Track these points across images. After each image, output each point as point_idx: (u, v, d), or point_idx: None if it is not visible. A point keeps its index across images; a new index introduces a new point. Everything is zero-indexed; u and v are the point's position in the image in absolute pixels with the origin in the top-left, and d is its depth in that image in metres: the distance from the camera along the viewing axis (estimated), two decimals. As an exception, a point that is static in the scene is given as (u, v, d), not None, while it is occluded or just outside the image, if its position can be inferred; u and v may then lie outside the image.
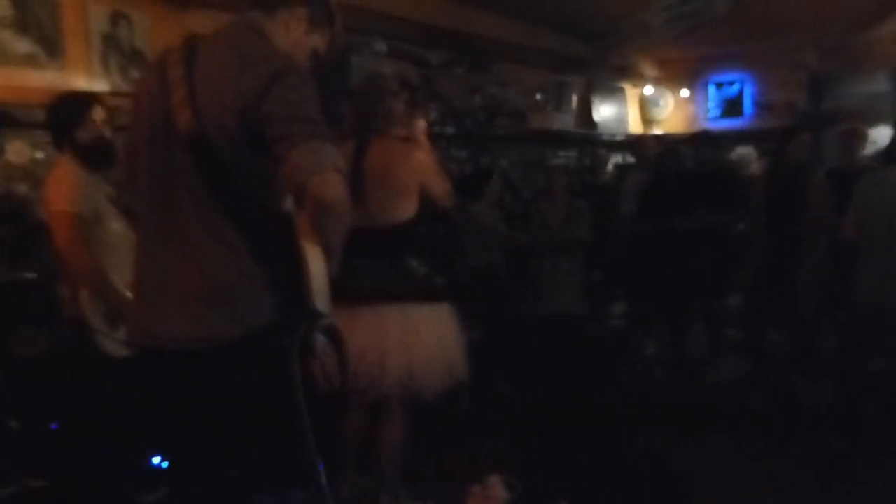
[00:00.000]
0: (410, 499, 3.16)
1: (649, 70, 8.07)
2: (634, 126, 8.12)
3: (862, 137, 4.86)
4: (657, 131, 8.04)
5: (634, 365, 5.31)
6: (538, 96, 6.73)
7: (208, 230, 1.77)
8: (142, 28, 3.93)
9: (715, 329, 5.14)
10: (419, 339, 2.90)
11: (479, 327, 4.50)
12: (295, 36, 1.93)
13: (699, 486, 3.23)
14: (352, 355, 2.01)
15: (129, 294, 2.76)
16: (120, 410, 2.54)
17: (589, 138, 7.39)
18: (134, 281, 1.94)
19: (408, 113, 3.09)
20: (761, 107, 7.58)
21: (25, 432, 2.91)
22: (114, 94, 3.57)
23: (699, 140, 5.41)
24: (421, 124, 3.14)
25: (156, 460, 2.83)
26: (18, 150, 3.45)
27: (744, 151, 7.49)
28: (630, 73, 7.90)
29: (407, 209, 2.97)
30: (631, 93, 8.10)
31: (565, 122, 7.14)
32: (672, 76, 8.07)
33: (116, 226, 2.93)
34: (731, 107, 7.83)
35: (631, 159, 6.97)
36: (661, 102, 8.10)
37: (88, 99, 2.99)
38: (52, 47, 3.57)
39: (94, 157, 2.91)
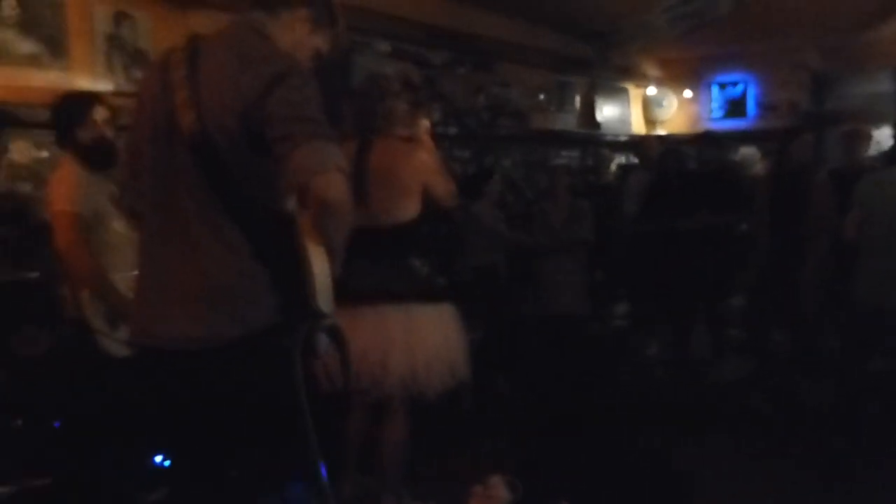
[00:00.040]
0: (412, 499, 3.16)
1: (652, 70, 8.07)
2: (637, 126, 8.12)
3: (865, 138, 4.86)
4: (660, 132, 8.03)
5: (636, 365, 5.30)
6: (541, 96, 6.73)
7: (210, 230, 1.77)
8: (145, 28, 3.94)
9: (717, 329, 5.13)
10: (421, 340, 2.90)
11: (481, 327, 4.51)
12: (297, 36, 1.92)
13: (700, 487, 3.22)
14: (354, 355, 2.02)
15: (129, 294, 2.79)
16: (121, 410, 2.54)
17: (592, 138, 7.38)
18: (136, 281, 1.95)
19: (410, 113, 3.09)
20: (764, 107, 7.58)
21: (28, 431, 2.92)
22: (117, 93, 3.58)
23: (703, 140, 5.40)
24: (424, 123, 3.14)
25: (157, 460, 2.83)
26: (22, 150, 3.46)
27: (747, 152, 7.50)
28: (633, 74, 7.89)
29: (409, 209, 2.97)
30: (634, 93, 8.10)
31: (568, 122, 7.14)
32: (675, 76, 8.06)
33: (118, 226, 2.93)
34: (735, 107, 7.82)
35: (634, 160, 6.97)
36: (664, 103, 8.10)
37: (90, 99, 2.99)
38: (56, 47, 3.58)
39: (95, 157, 2.91)
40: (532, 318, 5.12)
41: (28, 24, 3.48)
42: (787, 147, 4.67)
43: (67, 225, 2.78)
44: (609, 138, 7.55)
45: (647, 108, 8.18)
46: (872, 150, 4.85)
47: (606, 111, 7.62)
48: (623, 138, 7.64)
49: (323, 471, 1.87)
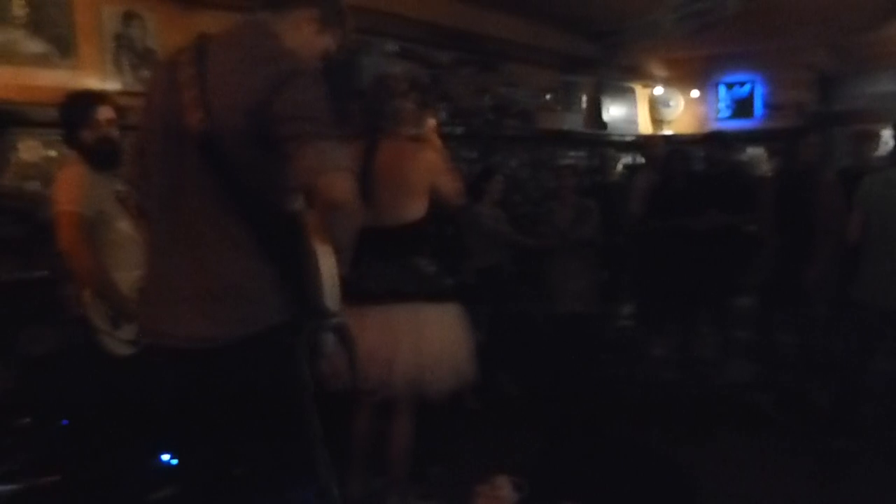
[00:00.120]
0: (418, 498, 3.16)
1: (659, 70, 8.05)
2: (644, 126, 8.09)
3: (874, 138, 4.84)
4: (667, 132, 8.01)
5: (643, 365, 5.30)
6: (547, 96, 6.72)
7: (217, 229, 1.78)
8: (153, 27, 3.95)
9: (724, 330, 5.12)
10: (428, 339, 2.91)
11: (487, 328, 4.51)
12: (305, 36, 1.93)
13: (707, 487, 3.22)
14: (360, 354, 2.02)
15: (130, 295, 2.81)
16: (129, 408, 2.55)
17: (598, 139, 7.37)
18: (143, 279, 1.95)
19: (417, 113, 3.09)
20: (772, 107, 7.54)
21: (36, 430, 2.94)
22: (126, 93, 3.59)
23: (710, 141, 5.39)
24: (431, 123, 3.14)
25: (165, 458, 2.84)
26: (31, 149, 3.48)
27: (754, 152, 7.48)
28: (640, 74, 7.87)
29: (416, 209, 2.97)
30: (641, 93, 8.08)
31: (574, 122, 7.13)
32: (682, 76, 8.04)
33: (123, 225, 2.95)
34: (742, 107, 7.79)
35: (640, 160, 6.95)
36: (671, 103, 8.07)
37: (94, 99, 3.00)
38: (64, 47, 3.59)
39: (100, 157, 2.93)
40: (539, 318, 5.12)
41: (37, 23, 3.49)
42: (795, 147, 4.66)
43: (70, 225, 2.79)
44: (615, 138, 7.53)
45: (654, 108, 8.16)
46: (881, 151, 4.83)
47: (613, 111, 7.61)
48: (630, 138, 7.62)
49: (328, 469, 1.87)
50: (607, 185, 6.83)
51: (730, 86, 7.86)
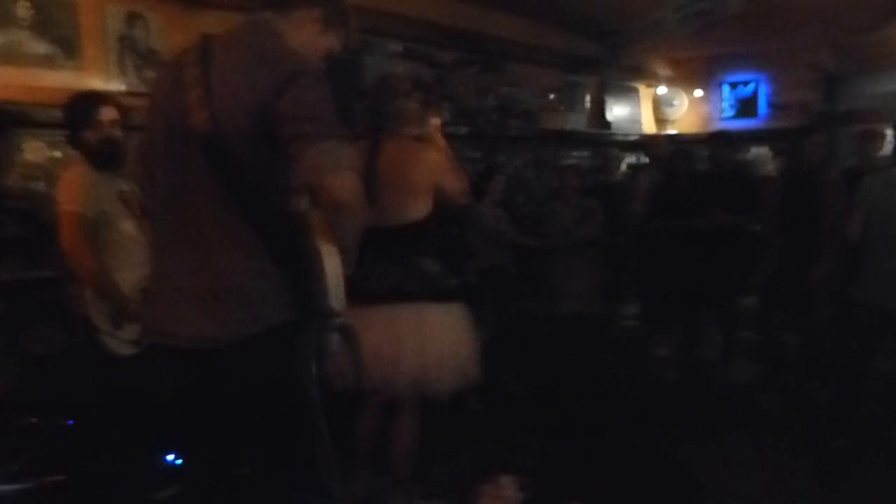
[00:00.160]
0: (421, 498, 3.16)
1: (663, 70, 8.03)
2: (648, 126, 8.08)
3: (880, 138, 4.83)
4: (671, 131, 8.00)
5: (646, 365, 5.29)
6: (551, 96, 6.71)
7: (222, 229, 1.78)
8: (157, 28, 3.96)
9: (728, 330, 5.11)
10: (432, 339, 2.91)
11: (491, 327, 4.50)
12: (309, 36, 1.93)
13: (710, 487, 3.21)
14: (365, 354, 2.02)
15: (132, 295, 2.82)
16: (135, 407, 2.56)
17: (602, 138, 7.36)
18: (149, 279, 1.96)
19: (421, 113, 3.09)
20: (776, 107, 7.52)
21: (42, 429, 2.94)
22: (129, 93, 3.60)
23: (714, 140, 5.38)
24: (435, 123, 3.14)
25: (169, 457, 2.84)
26: (36, 150, 3.49)
27: (758, 152, 7.46)
28: (643, 73, 7.86)
29: (420, 209, 2.97)
30: (644, 93, 8.07)
31: (578, 122, 7.12)
32: (686, 76, 8.02)
33: (126, 226, 2.96)
34: (746, 107, 7.77)
35: (644, 159, 6.94)
36: (675, 102, 8.06)
37: (97, 100, 3.01)
38: (69, 48, 3.61)
39: (103, 157, 2.94)
40: (542, 317, 5.12)
41: (42, 25, 3.50)
42: (799, 147, 4.65)
43: (71, 225, 2.81)
44: (619, 138, 7.52)
45: (658, 108, 8.14)
46: (887, 150, 4.82)
47: (616, 111, 7.60)
48: (633, 138, 7.61)
49: (333, 469, 1.87)
50: (610, 185, 6.81)
51: (734, 85, 7.85)
